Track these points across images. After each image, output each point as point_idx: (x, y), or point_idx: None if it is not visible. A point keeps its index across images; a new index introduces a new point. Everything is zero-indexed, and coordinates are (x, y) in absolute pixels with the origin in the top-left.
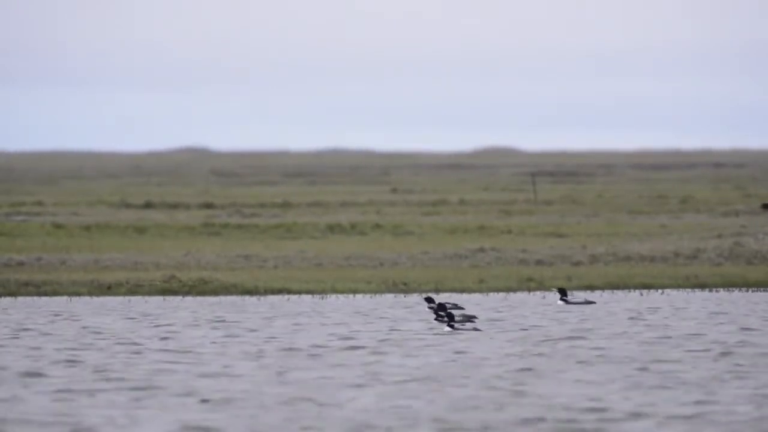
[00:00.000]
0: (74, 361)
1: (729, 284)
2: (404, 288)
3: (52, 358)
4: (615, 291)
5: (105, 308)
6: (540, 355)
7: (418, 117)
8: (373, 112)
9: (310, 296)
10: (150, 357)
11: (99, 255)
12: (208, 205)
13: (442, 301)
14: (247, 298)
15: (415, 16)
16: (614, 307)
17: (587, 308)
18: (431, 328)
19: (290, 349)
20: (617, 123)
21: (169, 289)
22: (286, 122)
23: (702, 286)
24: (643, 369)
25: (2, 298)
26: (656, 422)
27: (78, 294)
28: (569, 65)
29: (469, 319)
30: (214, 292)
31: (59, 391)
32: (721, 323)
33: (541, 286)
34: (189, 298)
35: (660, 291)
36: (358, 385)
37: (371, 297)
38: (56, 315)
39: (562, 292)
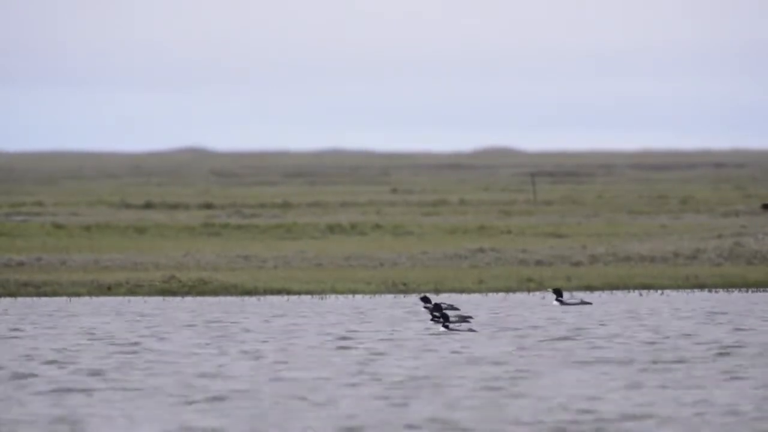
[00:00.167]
0: (67, 361)
1: (729, 284)
2: (404, 288)
3: (45, 358)
4: (615, 291)
5: (103, 308)
6: (533, 355)
7: (418, 117)
8: (373, 112)
9: (309, 296)
10: (145, 357)
11: (99, 255)
12: (208, 206)
13: (439, 302)
14: (246, 298)
15: (415, 16)
16: (610, 307)
17: (583, 309)
18: (426, 329)
19: (286, 349)
20: (617, 123)
21: (168, 289)
22: (286, 122)
23: (702, 286)
24: (637, 369)
25: (2, 298)
26: (655, 423)
27: (78, 294)
28: (569, 65)
29: (465, 319)
30: (214, 293)
31: (53, 391)
32: (720, 323)
33: (541, 287)
34: (189, 299)
35: (660, 291)
36: (353, 385)
37: (371, 297)
38: (49, 315)
39: (558, 293)
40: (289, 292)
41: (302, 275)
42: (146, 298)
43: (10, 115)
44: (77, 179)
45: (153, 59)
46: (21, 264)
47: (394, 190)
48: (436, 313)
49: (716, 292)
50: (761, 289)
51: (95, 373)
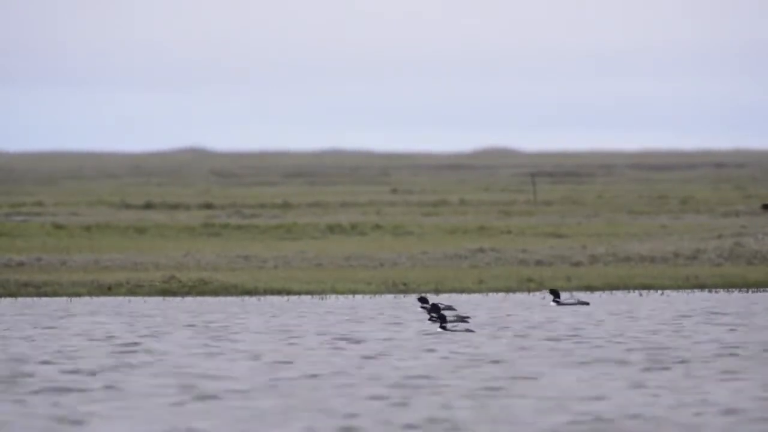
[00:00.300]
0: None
1: (729, 285)
2: (404, 288)
3: (39, 358)
4: (615, 291)
5: (103, 308)
6: (530, 355)
7: (418, 117)
8: (373, 112)
9: (310, 297)
10: (140, 358)
11: (99, 255)
12: (208, 206)
13: (436, 302)
14: (246, 298)
15: (415, 16)
16: (607, 308)
17: (580, 309)
18: (422, 330)
19: (285, 348)
20: (617, 123)
21: (168, 289)
22: (286, 122)
23: (702, 286)
24: (634, 369)
25: (2, 298)
26: (655, 423)
27: (78, 294)
28: (569, 65)
29: (463, 319)
30: (214, 293)
31: (47, 390)
32: (719, 324)
33: (541, 287)
34: (189, 299)
35: (660, 292)
36: (351, 385)
37: (371, 297)
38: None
39: (555, 294)
40: (289, 293)
41: (302, 275)
42: (146, 298)
43: (10, 115)
44: (77, 179)
45: (153, 59)
46: (21, 264)
47: (394, 191)
48: (434, 314)
49: (716, 292)
50: (761, 289)
51: (92, 373)
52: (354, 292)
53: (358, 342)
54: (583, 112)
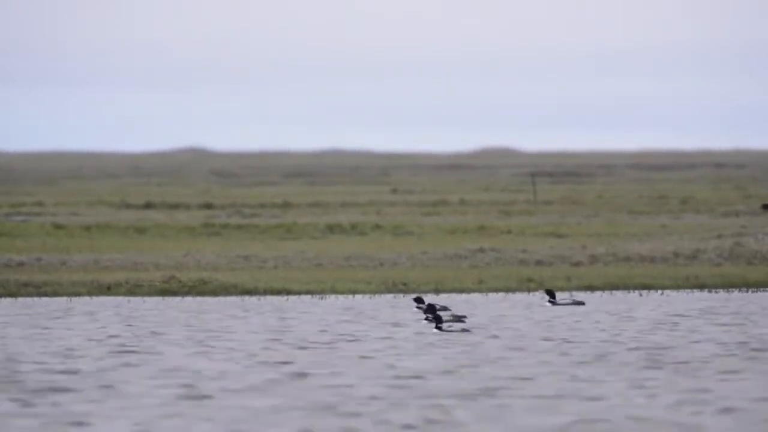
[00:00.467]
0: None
1: (729, 284)
2: (404, 288)
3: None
4: (615, 291)
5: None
6: (526, 355)
7: (418, 117)
8: (373, 112)
9: (309, 296)
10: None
11: (99, 255)
12: (208, 206)
13: (432, 302)
14: (246, 298)
15: (415, 16)
16: (603, 308)
17: (575, 309)
18: (418, 330)
19: (282, 348)
20: (617, 123)
21: (168, 289)
22: (286, 122)
23: (702, 286)
24: (629, 369)
25: (2, 298)
26: (655, 424)
27: (78, 294)
28: (569, 65)
29: (459, 319)
30: (214, 293)
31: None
32: (716, 324)
33: (541, 287)
34: (189, 299)
35: (660, 291)
36: (350, 386)
37: (370, 297)
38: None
39: (550, 294)
40: (289, 292)
41: (302, 275)
42: (146, 298)
43: (10, 115)
44: (77, 179)
45: (153, 59)
46: (21, 264)
47: (394, 191)
48: (429, 314)
49: (716, 292)
50: (761, 289)
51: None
52: (354, 292)
53: (354, 342)
54: (583, 112)
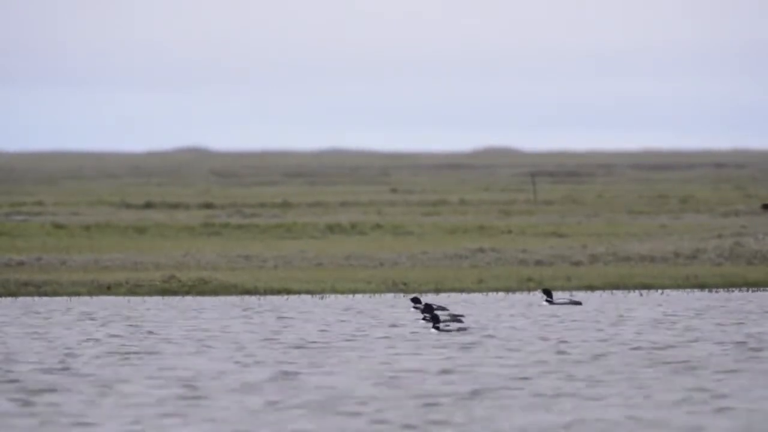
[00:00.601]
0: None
1: (729, 284)
2: (404, 288)
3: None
4: (615, 291)
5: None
6: (523, 355)
7: (418, 117)
8: (373, 112)
9: (310, 296)
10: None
11: (99, 255)
12: (208, 205)
13: (430, 302)
14: (246, 298)
15: (415, 16)
16: (600, 308)
17: (572, 309)
18: (415, 331)
19: (277, 347)
20: (617, 123)
21: (168, 289)
22: (286, 122)
23: (702, 286)
24: (627, 370)
25: (2, 298)
26: (654, 425)
27: (78, 294)
28: (569, 65)
29: (456, 319)
30: (214, 292)
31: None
32: (713, 323)
33: (541, 286)
34: (189, 298)
35: (660, 291)
36: (345, 386)
37: (370, 297)
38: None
39: (547, 293)
40: (289, 292)
41: (302, 275)
42: (146, 298)
43: (10, 115)
44: (77, 179)
45: (153, 59)
46: (21, 264)
47: (394, 190)
48: (426, 314)
49: (716, 291)
50: (761, 289)
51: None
52: (354, 292)
53: (350, 341)
54: (583, 112)
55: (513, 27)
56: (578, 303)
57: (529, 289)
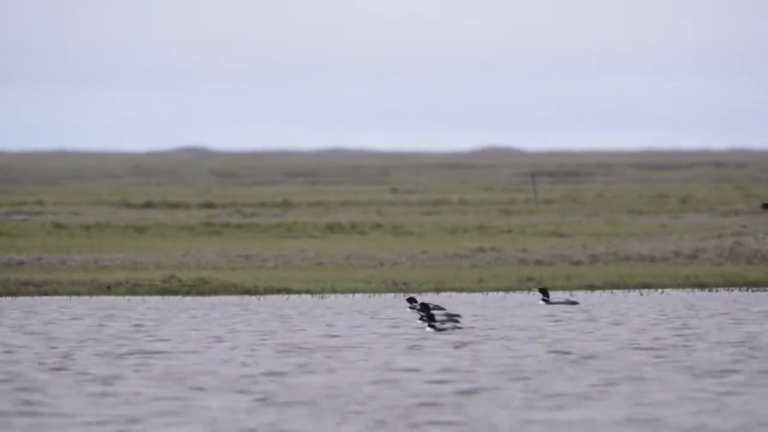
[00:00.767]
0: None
1: (729, 284)
2: (404, 288)
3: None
4: (615, 291)
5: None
6: (519, 355)
7: (418, 117)
8: (373, 112)
9: (310, 296)
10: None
11: (99, 255)
12: (209, 205)
13: (426, 302)
14: (246, 297)
15: (415, 16)
16: (596, 307)
17: (569, 309)
18: (411, 330)
19: (273, 346)
20: (617, 123)
21: (169, 288)
22: (286, 122)
23: (702, 285)
24: (621, 371)
25: (2, 297)
26: (654, 425)
27: (78, 294)
28: (569, 65)
29: (453, 318)
30: (214, 292)
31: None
32: (713, 323)
33: (541, 286)
34: (188, 298)
35: (660, 291)
36: (339, 385)
37: (370, 297)
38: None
39: (544, 293)
40: (289, 292)
41: (302, 274)
42: (146, 298)
43: (10, 115)
44: (78, 179)
45: (153, 59)
46: (21, 263)
47: (394, 190)
48: (422, 313)
49: (716, 291)
50: (762, 289)
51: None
52: (354, 292)
53: (348, 341)
54: (583, 112)
55: (513, 27)
56: (575, 302)
57: (528, 289)
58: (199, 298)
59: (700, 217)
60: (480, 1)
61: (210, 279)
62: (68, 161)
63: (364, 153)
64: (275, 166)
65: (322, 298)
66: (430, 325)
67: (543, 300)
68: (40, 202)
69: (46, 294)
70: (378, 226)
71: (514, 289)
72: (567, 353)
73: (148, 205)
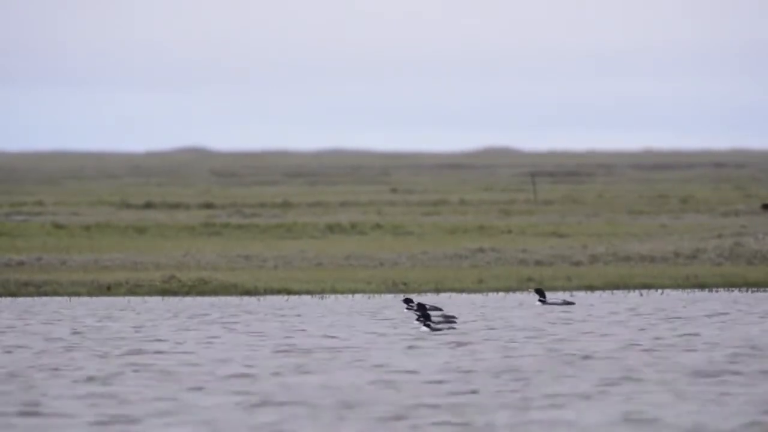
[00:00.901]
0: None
1: (729, 284)
2: (404, 288)
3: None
4: (615, 291)
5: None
6: (517, 355)
7: (418, 117)
8: (373, 112)
9: (309, 296)
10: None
11: (99, 255)
12: (208, 205)
13: (423, 302)
14: (246, 298)
15: (415, 16)
16: (593, 308)
17: (566, 309)
18: (407, 330)
19: (265, 347)
20: (617, 123)
21: (168, 289)
22: (286, 122)
23: (702, 286)
24: (618, 371)
25: (2, 298)
26: (654, 426)
27: (78, 294)
28: (569, 65)
29: (449, 319)
30: (214, 292)
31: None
32: (706, 324)
33: (541, 286)
34: (188, 299)
35: (660, 291)
36: (336, 385)
37: (370, 297)
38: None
39: (540, 293)
40: (289, 292)
41: (302, 275)
42: (146, 298)
43: (10, 115)
44: (78, 179)
45: (153, 59)
46: (21, 264)
47: (394, 190)
48: (418, 313)
49: (716, 291)
50: (761, 289)
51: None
52: (354, 292)
53: (345, 341)
54: (583, 112)
55: (513, 27)
56: (571, 303)
57: (529, 290)
58: (199, 299)
59: (700, 217)
60: (480, 1)
61: (210, 279)
62: (68, 161)
63: (364, 153)
64: (275, 167)
65: (322, 298)
66: (425, 325)
67: (540, 301)
68: (40, 203)
69: (46, 294)
70: (378, 226)
71: (514, 290)
72: (565, 353)
73: (148, 205)
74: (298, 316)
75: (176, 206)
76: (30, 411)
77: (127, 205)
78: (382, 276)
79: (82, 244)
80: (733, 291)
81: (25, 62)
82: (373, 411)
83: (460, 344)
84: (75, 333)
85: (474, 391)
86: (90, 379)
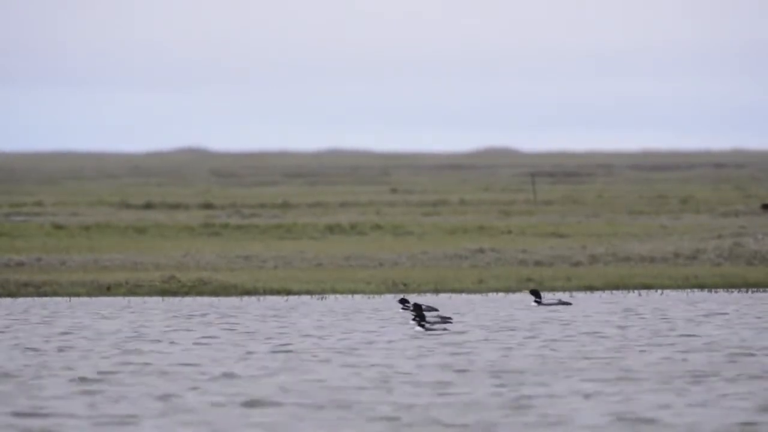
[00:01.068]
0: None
1: (729, 285)
2: (404, 288)
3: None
4: (614, 291)
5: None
6: (515, 356)
7: (418, 117)
8: (373, 112)
9: (309, 297)
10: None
11: (99, 255)
12: (208, 206)
13: (419, 303)
14: (246, 298)
15: (415, 16)
16: (590, 308)
17: (561, 310)
18: (403, 331)
19: (262, 348)
20: (617, 123)
21: (168, 289)
22: (286, 122)
23: (702, 286)
24: (615, 371)
25: (2, 298)
26: (654, 426)
27: (77, 294)
28: (569, 65)
29: (445, 320)
30: (214, 293)
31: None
32: (700, 323)
33: (541, 287)
34: (188, 299)
35: (659, 291)
36: (331, 384)
37: (370, 297)
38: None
39: (536, 294)
40: (289, 292)
41: (302, 275)
42: (146, 298)
43: (10, 115)
44: (77, 179)
45: (153, 59)
46: (21, 264)
47: (394, 190)
48: (413, 313)
49: (716, 292)
50: (761, 290)
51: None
52: (354, 292)
53: (345, 342)
54: (583, 112)
55: (513, 27)
56: (567, 304)
57: (523, 290)
58: (199, 299)
59: (700, 217)
60: (480, 1)
61: (210, 280)
62: (68, 162)
63: (363, 153)
64: (275, 167)
65: (321, 298)
66: (420, 325)
67: (535, 302)
68: (40, 203)
69: (45, 295)
70: (378, 226)
71: (513, 290)
72: (560, 353)
73: (148, 205)
74: (298, 316)
75: (176, 206)
76: (27, 412)
77: (127, 206)
78: (382, 276)
79: (81, 244)
80: (732, 291)
81: (25, 62)
82: (368, 411)
83: (459, 344)
84: (75, 333)
85: (475, 391)
86: (88, 379)
